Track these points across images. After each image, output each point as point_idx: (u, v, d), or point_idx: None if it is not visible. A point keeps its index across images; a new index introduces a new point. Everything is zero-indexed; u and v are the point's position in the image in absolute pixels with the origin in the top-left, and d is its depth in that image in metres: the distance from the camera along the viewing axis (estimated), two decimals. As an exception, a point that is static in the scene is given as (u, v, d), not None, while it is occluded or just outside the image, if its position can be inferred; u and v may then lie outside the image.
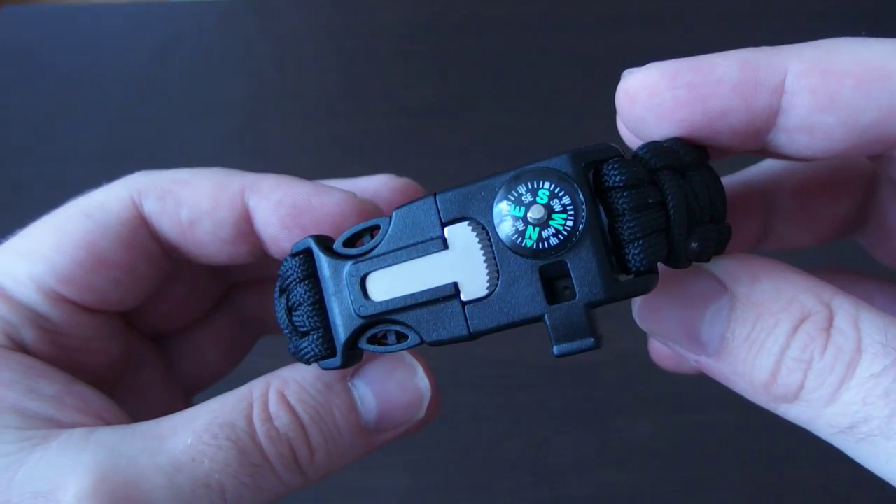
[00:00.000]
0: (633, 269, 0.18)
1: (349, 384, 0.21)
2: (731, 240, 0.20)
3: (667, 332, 0.20)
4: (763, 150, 0.20)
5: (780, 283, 0.18)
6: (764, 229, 0.26)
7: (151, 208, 0.23)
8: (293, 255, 0.21)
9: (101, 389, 0.23)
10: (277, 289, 0.22)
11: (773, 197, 0.25)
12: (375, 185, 0.26)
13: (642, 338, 0.28)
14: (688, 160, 0.19)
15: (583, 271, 0.18)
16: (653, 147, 0.19)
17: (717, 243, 0.20)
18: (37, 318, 0.22)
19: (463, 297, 0.19)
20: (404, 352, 0.21)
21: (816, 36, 0.19)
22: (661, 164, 0.19)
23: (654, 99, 0.19)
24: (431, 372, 0.22)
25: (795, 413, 0.18)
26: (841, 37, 0.19)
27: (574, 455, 0.44)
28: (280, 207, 0.23)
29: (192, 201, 0.23)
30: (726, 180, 0.25)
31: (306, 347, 0.21)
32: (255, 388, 0.21)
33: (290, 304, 0.21)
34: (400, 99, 0.64)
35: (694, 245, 0.19)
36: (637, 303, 0.20)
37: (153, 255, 0.24)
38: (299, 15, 0.71)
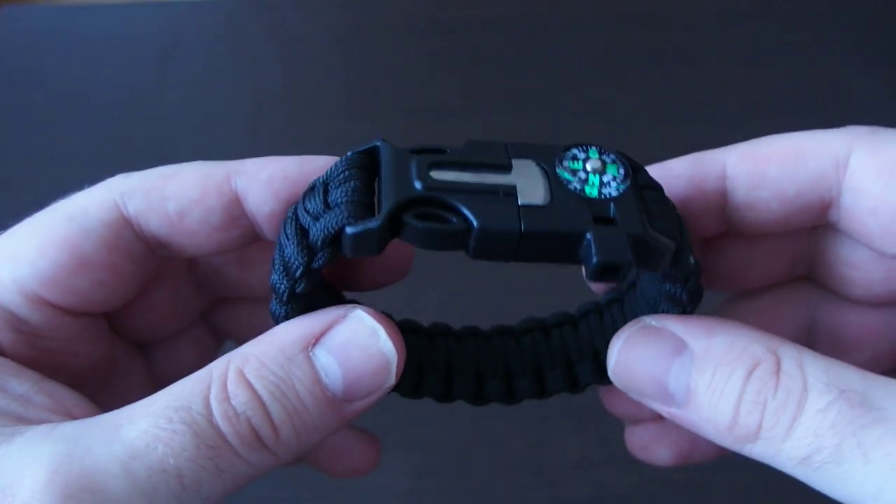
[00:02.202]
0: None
1: (311, 354, 0.20)
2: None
3: (639, 387, 0.22)
4: (726, 232, 0.25)
5: (732, 336, 0.21)
6: None
7: (137, 207, 0.23)
8: (349, 154, 0.21)
9: (84, 394, 0.23)
10: (308, 189, 0.21)
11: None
12: None
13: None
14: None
15: (625, 213, 0.20)
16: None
17: (697, 284, 0.22)
18: (15, 322, 0.22)
19: (520, 200, 0.19)
20: (365, 315, 0.21)
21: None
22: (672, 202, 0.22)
23: None
24: (399, 334, 0.21)
25: (758, 451, 0.20)
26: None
27: (574, 455, 0.44)
28: (273, 182, 0.23)
29: (179, 193, 0.23)
30: None
31: (331, 218, 0.19)
32: (215, 367, 0.20)
33: (327, 187, 0.20)
34: (402, 99, 0.64)
35: (692, 261, 0.21)
36: (611, 362, 0.22)
37: (137, 254, 0.24)
38: (302, 15, 0.71)
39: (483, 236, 0.19)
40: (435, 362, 0.26)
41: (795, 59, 0.63)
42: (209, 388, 0.20)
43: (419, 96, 0.64)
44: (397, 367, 0.21)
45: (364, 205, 0.20)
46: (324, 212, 0.20)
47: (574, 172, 0.20)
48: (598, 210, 0.20)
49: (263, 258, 0.26)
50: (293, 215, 0.21)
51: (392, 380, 0.21)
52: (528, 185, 0.20)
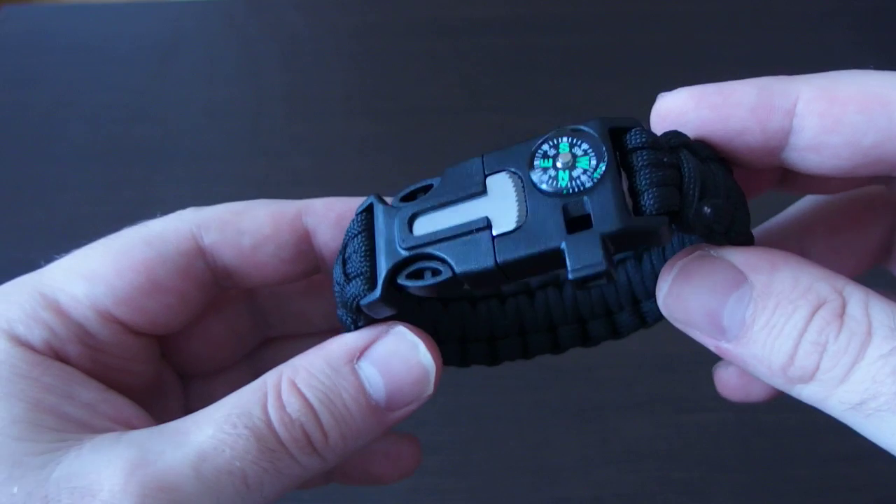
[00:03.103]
0: (647, 213, 0.19)
1: (356, 366, 0.22)
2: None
3: (690, 318, 0.21)
4: (780, 167, 0.23)
5: (798, 272, 0.20)
6: None
7: (213, 239, 0.25)
8: (356, 215, 0.23)
9: None
10: (339, 251, 0.23)
11: (806, 243, 0.27)
12: None
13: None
14: (706, 154, 0.21)
15: (600, 207, 0.19)
16: (674, 132, 0.21)
17: (733, 224, 0.21)
18: (84, 336, 0.24)
19: (494, 231, 0.20)
20: (406, 330, 0.23)
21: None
22: (680, 143, 0.21)
23: (682, 118, 0.22)
24: (437, 348, 0.23)
25: (809, 392, 0.19)
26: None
27: (574, 455, 0.44)
28: (342, 221, 0.25)
29: (254, 229, 0.25)
30: (761, 230, 0.27)
31: (351, 290, 0.22)
32: (268, 378, 0.22)
33: (345, 256, 0.23)
34: (402, 99, 0.64)
35: (707, 210, 0.20)
36: (663, 291, 0.21)
37: (205, 283, 0.26)
38: (303, 15, 0.71)
39: (467, 277, 0.20)
40: (478, 329, 0.28)
41: (795, 59, 0.63)
42: (266, 397, 0.21)
43: (419, 96, 0.64)
44: (435, 377, 0.23)
45: (371, 280, 0.22)
46: (345, 284, 0.22)
47: (545, 171, 0.20)
48: (572, 210, 0.19)
49: (327, 288, 0.28)
50: (334, 281, 0.23)
51: (430, 389, 0.23)
52: (502, 208, 0.20)
